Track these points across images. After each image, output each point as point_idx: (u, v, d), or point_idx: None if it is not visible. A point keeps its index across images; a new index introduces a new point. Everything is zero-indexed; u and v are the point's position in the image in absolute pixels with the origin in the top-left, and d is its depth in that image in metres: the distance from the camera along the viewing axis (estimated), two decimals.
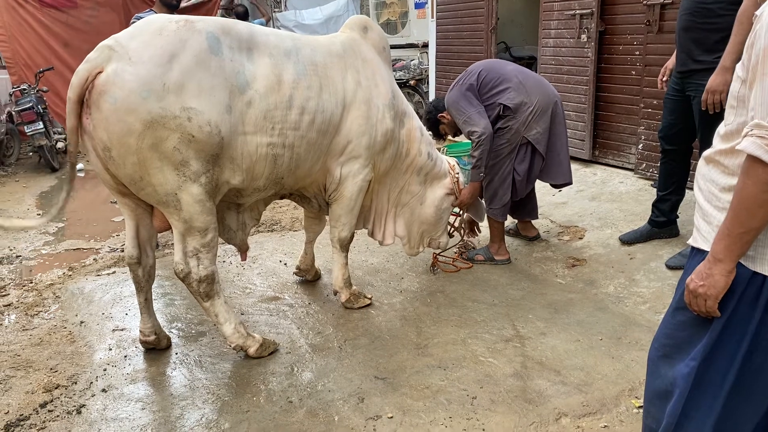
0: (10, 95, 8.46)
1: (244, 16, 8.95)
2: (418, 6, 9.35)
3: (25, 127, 7.84)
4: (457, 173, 3.96)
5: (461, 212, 4.21)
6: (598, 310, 3.48)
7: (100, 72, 2.51)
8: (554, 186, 4.40)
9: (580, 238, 4.45)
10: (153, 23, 2.66)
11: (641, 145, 5.11)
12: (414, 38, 9.53)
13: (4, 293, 3.97)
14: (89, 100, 2.52)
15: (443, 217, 3.99)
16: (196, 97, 2.57)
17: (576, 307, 3.53)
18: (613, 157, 5.57)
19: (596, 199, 5.00)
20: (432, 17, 8.39)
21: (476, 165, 3.95)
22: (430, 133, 4.46)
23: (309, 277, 4.01)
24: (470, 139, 3.99)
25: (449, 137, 4.59)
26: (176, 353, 3.15)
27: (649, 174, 5.05)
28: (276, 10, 11.05)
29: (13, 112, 8.19)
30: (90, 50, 2.61)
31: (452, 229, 4.24)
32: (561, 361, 2.97)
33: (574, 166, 4.36)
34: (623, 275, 3.84)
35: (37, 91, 8.36)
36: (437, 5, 8.23)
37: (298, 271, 4.02)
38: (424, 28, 9.03)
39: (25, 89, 8.29)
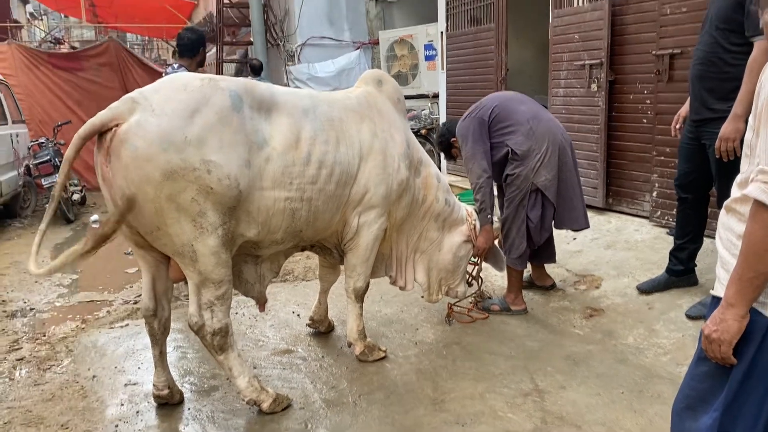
0: (29, 149, 8.63)
1: (259, 69, 9.22)
2: (428, 58, 9.52)
3: (42, 180, 7.97)
4: (475, 220, 3.95)
5: (479, 261, 4.18)
6: (617, 362, 3.40)
7: (118, 124, 2.55)
8: (572, 230, 4.39)
9: (597, 287, 4.39)
10: (178, 79, 2.76)
11: (655, 192, 5.09)
12: (424, 89, 9.68)
13: (17, 347, 3.96)
14: (110, 148, 2.56)
15: (461, 265, 3.98)
16: (216, 152, 2.62)
17: (595, 359, 3.46)
18: (627, 205, 5.54)
19: (612, 247, 4.95)
20: (442, 69, 8.53)
21: (481, 208, 3.96)
22: (442, 153, 4.53)
23: (322, 329, 3.97)
24: (469, 178, 4.00)
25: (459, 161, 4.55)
26: (189, 408, 3.10)
27: (664, 222, 5.01)
28: (289, 63, 11.28)
29: (31, 165, 8.34)
30: (100, 106, 2.68)
31: (470, 278, 4.20)
32: (582, 415, 2.89)
33: (589, 214, 4.32)
34: (642, 325, 3.77)
35: (55, 144, 8.53)
36: (447, 57, 8.37)
37: (311, 323, 3.98)
38: (434, 79, 9.18)
39: (43, 143, 8.46)
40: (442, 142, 4.42)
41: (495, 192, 4.07)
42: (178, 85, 2.70)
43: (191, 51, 4.74)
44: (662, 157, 5.00)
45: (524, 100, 4.16)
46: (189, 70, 4.62)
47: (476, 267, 4.21)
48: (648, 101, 5.17)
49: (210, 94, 2.70)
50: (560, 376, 3.28)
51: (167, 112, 2.58)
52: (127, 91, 2.82)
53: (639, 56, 5.24)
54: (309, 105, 3.11)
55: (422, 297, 4.05)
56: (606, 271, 4.58)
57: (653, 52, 4.97)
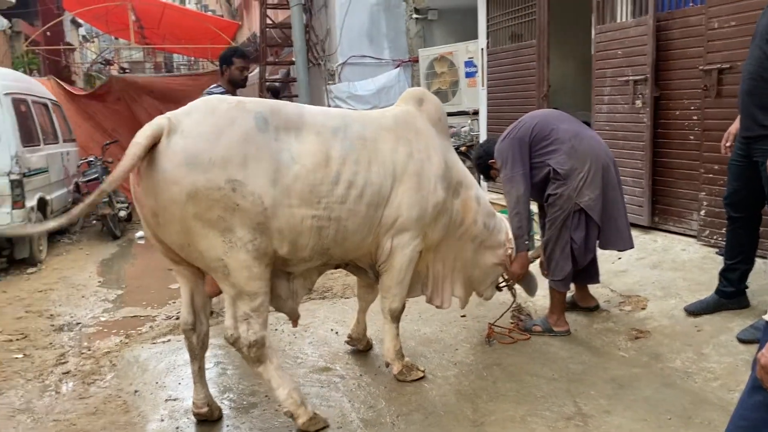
0: (78, 167, 8.91)
1: (277, 91, 9.51)
2: (468, 75, 9.50)
3: None
4: (511, 247, 3.89)
5: (511, 284, 4.11)
6: (665, 387, 3.29)
7: (155, 143, 2.64)
8: (617, 251, 4.29)
9: (643, 309, 4.27)
10: (209, 103, 2.87)
11: (703, 211, 4.94)
12: (465, 106, 9.65)
13: (63, 360, 4.05)
14: (140, 169, 2.67)
15: (488, 280, 3.97)
16: (240, 170, 2.68)
17: (641, 382, 3.35)
18: (673, 224, 5.40)
19: (658, 267, 4.82)
20: (482, 86, 8.50)
21: (518, 234, 3.89)
22: (481, 176, 4.46)
23: (360, 347, 3.95)
24: (506, 201, 3.96)
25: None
26: (227, 425, 3.11)
27: (713, 241, 4.86)
28: (330, 82, 11.40)
29: (80, 183, 8.60)
30: (133, 130, 2.82)
31: (503, 283, 4.12)
32: None
33: (634, 233, 4.22)
34: (691, 349, 3.64)
35: (103, 162, 8.78)
36: (487, 74, 8.34)
37: (349, 340, 3.97)
38: (474, 96, 9.15)
39: (92, 161, 8.73)
40: (480, 164, 4.33)
41: (535, 210, 4.01)
42: (208, 109, 2.80)
43: (220, 69, 5.07)
44: (711, 175, 4.86)
45: (564, 118, 4.08)
46: (225, 89, 4.74)
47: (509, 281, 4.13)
48: (695, 117, 5.04)
49: (236, 116, 2.78)
50: (604, 399, 3.18)
51: (194, 135, 2.67)
52: (138, 121, 2.96)
53: (685, 71, 5.12)
54: (339, 124, 3.12)
55: (462, 316, 3.99)
56: (652, 291, 4.45)
57: (700, 67, 4.85)
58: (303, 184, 2.87)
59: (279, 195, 2.79)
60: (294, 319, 3.36)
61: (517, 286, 4.19)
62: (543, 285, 4.26)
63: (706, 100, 4.86)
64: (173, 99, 10.38)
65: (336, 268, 3.54)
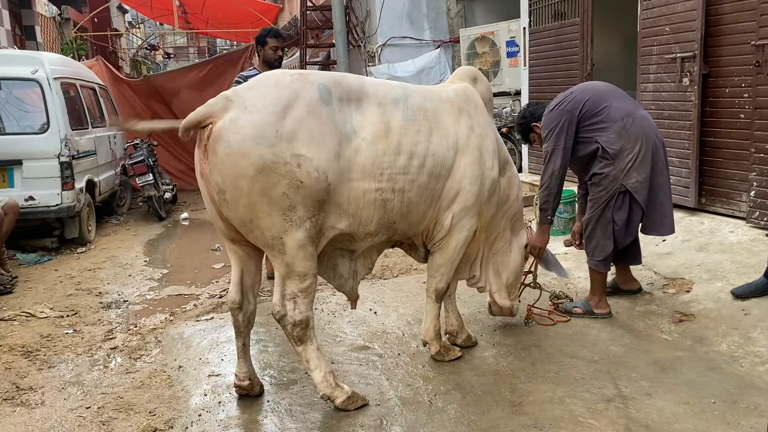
0: (125, 149, 9.12)
1: None
2: (510, 55, 9.36)
3: (137, 179, 8.42)
4: (530, 220, 3.85)
5: (533, 262, 4.03)
6: (709, 370, 3.22)
7: (213, 121, 2.67)
8: (659, 236, 4.18)
9: (687, 291, 4.17)
10: (270, 77, 2.86)
11: (753, 192, 4.78)
12: (506, 86, 9.52)
13: (111, 336, 4.18)
14: (207, 145, 2.68)
15: (516, 270, 3.81)
16: (306, 145, 2.68)
17: (684, 366, 3.28)
18: (721, 205, 5.24)
19: (704, 249, 4.69)
20: (524, 65, 8.36)
21: (543, 208, 3.88)
22: (519, 136, 4.38)
23: (459, 341, 3.70)
24: (542, 172, 3.91)
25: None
26: (268, 401, 3.17)
27: (762, 223, 4.70)
28: (370, 64, 11.37)
29: (127, 165, 8.82)
30: (163, 113, 2.84)
31: (527, 273, 4.02)
32: (669, 425, 2.74)
33: (679, 215, 4.12)
34: (737, 332, 3.55)
35: (149, 145, 8.97)
36: (529, 54, 8.20)
37: (448, 336, 3.74)
38: (516, 76, 9.01)
39: (138, 144, 8.92)
40: (523, 123, 4.24)
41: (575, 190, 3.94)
42: (270, 82, 2.80)
43: (256, 51, 5.12)
44: (762, 155, 4.70)
45: (618, 95, 3.94)
46: (259, 71, 4.72)
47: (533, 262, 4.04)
48: (746, 95, 4.86)
49: (300, 88, 2.77)
50: (646, 382, 3.13)
51: (259, 108, 2.67)
52: (175, 116, 2.97)
53: (736, 47, 4.93)
54: (400, 95, 3.11)
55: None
56: (697, 274, 4.35)
57: (752, 43, 4.68)
58: (365, 157, 2.87)
59: (342, 169, 2.80)
60: (353, 299, 3.39)
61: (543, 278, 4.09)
62: (583, 267, 4.20)
63: (758, 77, 4.69)
64: (209, 83, 10.43)
65: (394, 246, 3.53)
